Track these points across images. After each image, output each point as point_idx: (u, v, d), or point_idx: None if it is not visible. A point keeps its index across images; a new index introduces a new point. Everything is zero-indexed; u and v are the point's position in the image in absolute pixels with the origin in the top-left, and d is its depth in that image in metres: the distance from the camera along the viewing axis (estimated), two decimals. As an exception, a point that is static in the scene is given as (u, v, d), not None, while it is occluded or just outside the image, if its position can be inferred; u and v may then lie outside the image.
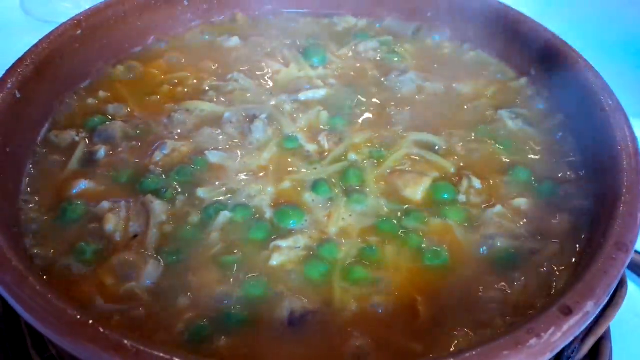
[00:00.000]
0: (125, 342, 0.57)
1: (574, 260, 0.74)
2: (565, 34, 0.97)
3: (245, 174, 0.85)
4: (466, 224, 0.79)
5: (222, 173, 0.85)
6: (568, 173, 0.86)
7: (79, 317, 0.59)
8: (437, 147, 0.89)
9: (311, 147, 0.89)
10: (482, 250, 0.76)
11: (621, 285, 0.81)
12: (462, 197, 0.82)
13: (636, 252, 0.88)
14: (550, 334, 0.57)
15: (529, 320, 0.59)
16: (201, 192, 0.82)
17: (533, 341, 0.56)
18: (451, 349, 0.65)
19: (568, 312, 0.59)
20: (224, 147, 0.89)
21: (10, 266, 0.64)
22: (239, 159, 0.87)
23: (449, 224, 0.79)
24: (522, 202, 0.81)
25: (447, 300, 0.71)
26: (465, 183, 0.83)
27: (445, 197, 0.82)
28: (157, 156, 0.87)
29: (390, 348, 0.67)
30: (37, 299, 0.61)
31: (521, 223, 0.79)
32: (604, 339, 0.79)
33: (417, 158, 0.87)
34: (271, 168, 0.86)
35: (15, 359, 0.76)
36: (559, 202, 0.82)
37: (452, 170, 0.86)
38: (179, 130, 0.91)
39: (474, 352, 0.56)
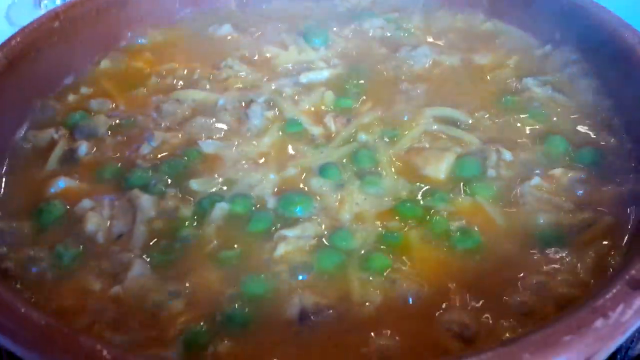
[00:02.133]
0: (105, 353, 0.47)
1: (630, 231, 0.63)
2: None
3: (243, 162, 0.76)
4: (499, 201, 0.68)
5: (218, 163, 0.76)
6: (609, 137, 0.75)
7: (48, 325, 0.49)
8: (459, 123, 0.79)
9: (316, 130, 0.80)
10: (521, 227, 0.65)
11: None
12: (491, 172, 0.72)
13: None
14: (619, 313, 0.47)
15: (591, 298, 0.48)
16: (194, 184, 0.72)
17: (599, 322, 0.46)
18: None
19: (637, 286, 0.48)
20: (219, 136, 0.80)
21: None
22: (236, 147, 0.78)
23: (479, 202, 0.68)
24: (561, 172, 0.71)
25: (486, 287, 0.60)
26: (493, 156, 0.73)
27: (473, 173, 0.72)
28: (145, 149, 0.77)
29: (423, 345, 0.56)
30: (8, 312, 0.51)
31: (564, 195, 0.69)
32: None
33: (438, 134, 0.77)
34: (273, 154, 0.77)
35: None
36: (603, 169, 0.72)
37: (479, 143, 0.75)
38: (168, 123, 0.82)
39: (528, 339, 0.45)
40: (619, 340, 0.47)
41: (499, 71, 0.88)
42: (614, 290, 0.48)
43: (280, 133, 0.79)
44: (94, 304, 0.60)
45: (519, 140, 0.76)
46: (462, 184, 0.71)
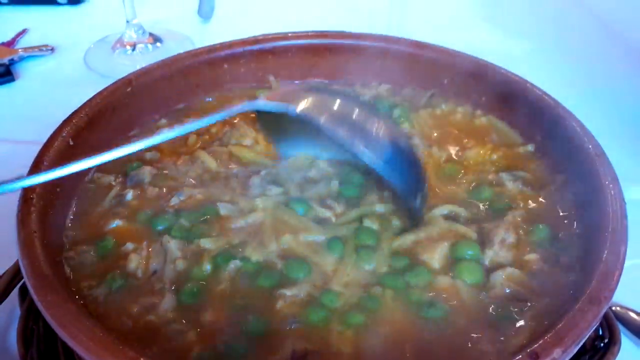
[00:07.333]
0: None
1: (558, 315, 0.78)
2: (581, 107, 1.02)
3: (252, 226, 0.91)
4: (474, 285, 0.83)
5: (231, 223, 0.92)
6: (563, 232, 0.90)
7: (103, 335, 0.67)
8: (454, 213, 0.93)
9: (323, 211, 0.93)
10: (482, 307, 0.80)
11: (614, 342, 0.84)
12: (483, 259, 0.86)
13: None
14: (516, 375, 0.62)
15: (501, 363, 0.64)
16: (207, 242, 0.88)
17: (500, 381, 0.62)
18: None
19: (535, 357, 0.64)
20: (236, 199, 0.96)
21: (54, 291, 0.73)
22: (248, 212, 0.93)
23: (456, 284, 0.83)
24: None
25: (435, 352, 0.75)
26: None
27: (463, 257, 0.86)
28: (174, 201, 0.96)
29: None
30: (73, 319, 0.69)
31: (527, 284, 0.83)
32: (593, 396, 0.82)
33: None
34: (268, 224, 0.91)
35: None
36: (560, 261, 0.86)
37: (473, 237, 0.89)
38: (195, 181, 1.01)
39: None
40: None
41: (481, 165, 1.04)
42: (518, 358, 0.64)
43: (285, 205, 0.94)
44: (132, 325, 0.78)
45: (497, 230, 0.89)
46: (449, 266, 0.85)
